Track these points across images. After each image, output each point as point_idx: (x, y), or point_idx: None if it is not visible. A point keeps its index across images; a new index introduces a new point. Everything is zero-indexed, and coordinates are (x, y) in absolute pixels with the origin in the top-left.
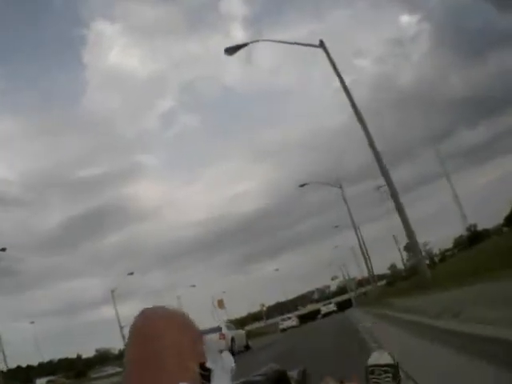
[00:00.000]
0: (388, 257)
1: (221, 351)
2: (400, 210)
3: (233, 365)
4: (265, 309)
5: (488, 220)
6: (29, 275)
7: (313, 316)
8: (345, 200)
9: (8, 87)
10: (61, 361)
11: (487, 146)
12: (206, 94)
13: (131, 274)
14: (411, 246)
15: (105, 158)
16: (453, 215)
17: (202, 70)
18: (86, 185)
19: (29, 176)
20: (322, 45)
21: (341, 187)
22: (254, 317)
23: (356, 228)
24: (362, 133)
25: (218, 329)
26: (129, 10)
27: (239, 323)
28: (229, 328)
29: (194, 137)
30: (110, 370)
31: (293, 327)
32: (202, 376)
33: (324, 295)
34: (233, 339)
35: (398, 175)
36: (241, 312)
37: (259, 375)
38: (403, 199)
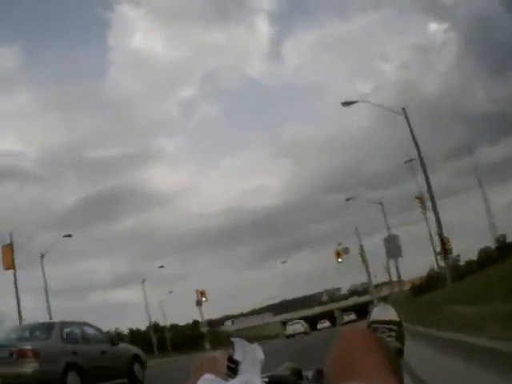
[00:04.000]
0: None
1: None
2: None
3: (262, 357)
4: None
5: None
6: (38, 252)
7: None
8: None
9: (30, 62)
10: None
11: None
12: (229, 85)
13: (161, 267)
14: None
15: (123, 140)
16: (477, 228)
17: (226, 61)
18: (102, 166)
19: (45, 152)
20: (404, 113)
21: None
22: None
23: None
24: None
25: (300, 321)
26: None
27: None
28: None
29: (215, 126)
30: None
31: (300, 333)
32: (229, 369)
33: (333, 297)
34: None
35: (416, 185)
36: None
37: (277, 373)
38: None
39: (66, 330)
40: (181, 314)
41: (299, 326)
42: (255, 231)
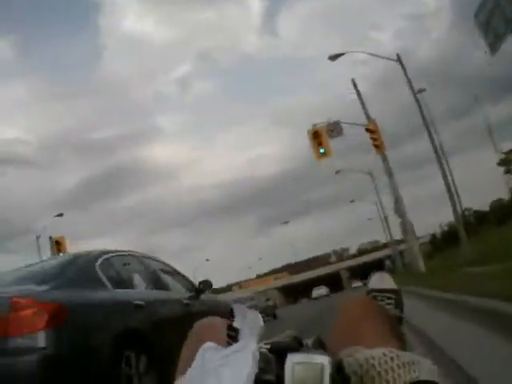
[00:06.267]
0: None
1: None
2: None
3: (261, 324)
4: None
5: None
6: (44, 235)
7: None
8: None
9: (26, 51)
10: None
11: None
12: (223, 61)
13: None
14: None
15: (121, 121)
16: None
17: (219, 38)
18: (101, 146)
19: (45, 137)
20: (398, 59)
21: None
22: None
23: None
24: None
25: (323, 287)
26: None
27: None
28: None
29: (212, 102)
30: None
31: (323, 296)
32: (229, 336)
33: (341, 258)
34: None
35: (419, 147)
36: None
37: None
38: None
39: None
40: None
41: (323, 290)
42: (256, 200)
